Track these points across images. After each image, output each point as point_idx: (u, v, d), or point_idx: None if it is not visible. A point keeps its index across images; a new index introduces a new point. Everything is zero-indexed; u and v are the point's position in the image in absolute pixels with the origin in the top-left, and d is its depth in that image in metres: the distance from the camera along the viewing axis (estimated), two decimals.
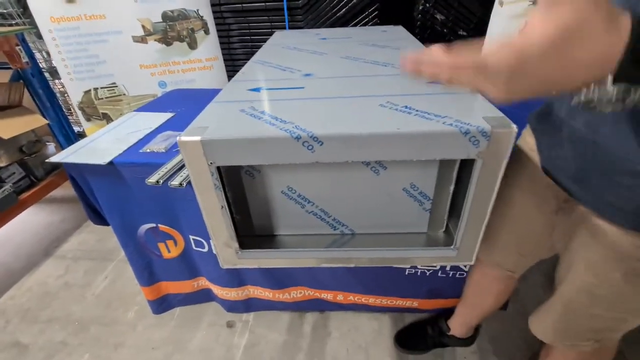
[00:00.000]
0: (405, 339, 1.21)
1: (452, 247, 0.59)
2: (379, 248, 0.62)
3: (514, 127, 0.44)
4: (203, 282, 1.27)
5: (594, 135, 0.48)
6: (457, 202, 0.58)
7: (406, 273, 1.10)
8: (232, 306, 1.30)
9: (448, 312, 1.15)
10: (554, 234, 0.67)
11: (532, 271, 0.85)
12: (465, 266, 1.06)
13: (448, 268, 1.06)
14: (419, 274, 1.09)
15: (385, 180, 0.58)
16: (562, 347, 0.72)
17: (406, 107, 0.51)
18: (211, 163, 0.48)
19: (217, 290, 1.26)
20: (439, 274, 1.09)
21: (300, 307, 1.30)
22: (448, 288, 1.09)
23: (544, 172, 0.62)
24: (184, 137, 0.47)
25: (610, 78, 0.26)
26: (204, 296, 1.33)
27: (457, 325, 1.12)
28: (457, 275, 1.09)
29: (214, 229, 0.58)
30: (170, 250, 1.14)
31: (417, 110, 0.50)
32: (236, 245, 0.60)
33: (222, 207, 0.54)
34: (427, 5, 1.82)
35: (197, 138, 0.46)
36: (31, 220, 1.99)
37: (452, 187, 0.58)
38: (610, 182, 0.48)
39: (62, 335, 1.32)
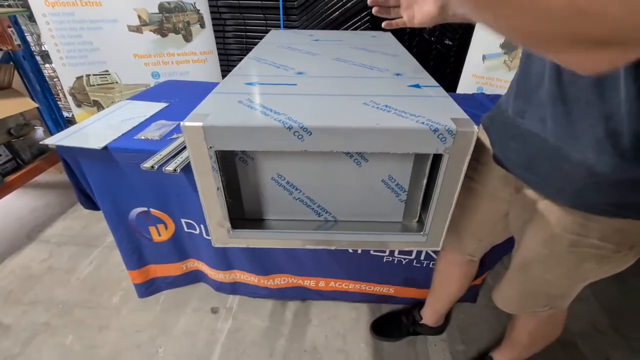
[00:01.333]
0: (381, 327, 1.29)
1: (422, 233, 0.66)
2: (358, 232, 0.68)
3: (476, 127, 0.51)
4: (192, 264, 1.32)
5: (539, 130, 0.58)
6: (430, 195, 0.65)
7: (384, 261, 1.17)
8: (220, 287, 1.36)
9: (421, 303, 1.24)
10: (508, 219, 0.76)
11: (503, 267, 0.94)
12: (436, 254, 1.14)
13: (422, 257, 1.14)
14: (395, 262, 1.17)
15: (365, 171, 0.64)
16: (523, 315, 0.84)
17: (386, 106, 0.58)
18: (210, 147, 0.54)
19: (207, 270, 1.31)
20: (414, 263, 1.17)
21: (283, 294, 1.36)
22: (422, 278, 1.17)
23: (497, 164, 0.70)
24: (187, 123, 0.52)
25: None
26: (193, 277, 1.38)
27: (428, 315, 1.20)
28: (430, 265, 1.17)
29: (209, 209, 0.63)
30: (160, 234, 1.18)
31: (395, 109, 0.57)
32: (228, 225, 0.66)
33: (218, 188, 0.59)
34: None
35: (199, 124, 0.52)
36: (15, 204, 1.97)
37: (425, 181, 0.64)
38: (554, 168, 0.57)
39: (45, 317, 1.33)
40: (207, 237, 1.15)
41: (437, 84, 0.72)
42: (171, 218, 1.13)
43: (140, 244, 1.20)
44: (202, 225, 1.12)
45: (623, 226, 0.56)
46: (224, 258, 1.23)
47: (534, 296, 0.77)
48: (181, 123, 0.52)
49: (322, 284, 1.29)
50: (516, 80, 0.67)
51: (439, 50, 1.99)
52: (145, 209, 1.11)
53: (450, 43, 1.98)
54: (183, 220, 1.12)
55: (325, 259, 1.20)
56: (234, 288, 1.35)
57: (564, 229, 0.60)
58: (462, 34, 1.94)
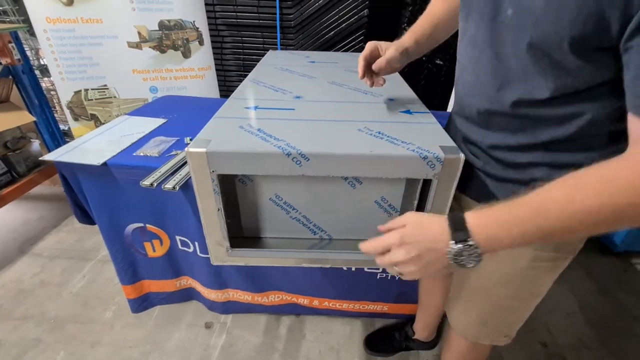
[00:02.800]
0: (374, 342, 1.30)
1: None
2: (352, 251, 0.71)
3: (462, 155, 0.55)
4: (186, 282, 1.32)
5: (473, 156, 0.62)
6: None
7: (377, 277, 1.19)
8: (212, 305, 1.36)
9: (414, 319, 1.26)
10: None
11: None
12: None
13: None
14: (389, 278, 1.19)
15: (360, 193, 0.68)
16: (479, 342, 0.79)
17: (379, 132, 0.62)
18: (213, 171, 0.57)
19: (201, 288, 1.31)
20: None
21: (277, 310, 1.36)
22: (415, 293, 1.19)
23: None
24: (191, 149, 0.55)
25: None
26: (187, 295, 1.38)
27: (420, 329, 1.23)
28: None
29: (209, 229, 0.65)
30: (155, 250, 1.18)
31: (387, 136, 0.61)
32: (227, 244, 0.68)
33: (219, 209, 0.62)
34: None
35: (203, 149, 0.54)
36: (7, 217, 1.95)
37: (415, 202, 0.68)
38: (487, 184, 0.61)
39: (36, 333, 1.32)
40: (201, 255, 1.15)
41: (427, 110, 0.76)
42: (167, 234, 1.14)
43: (135, 259, 1.21)
44: (196, 243, 1.12)
45: None
46: (218, 277, 1.23)
47: (496, 325, 0.75)
48: (185, 149, 0.55)
49: (316, 302, 1.30)
50: (455, 100, 0.72)
51: (430, 70, 2.06)
52: (142, 224, 1.12)
53: (441, 63, 2.06)
54: (178, 238, 1.14)
55: (319, 278, 1.21)
56: (226, 307, 1.34)
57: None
58: (452, 54, 2.02)
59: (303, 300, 1.31)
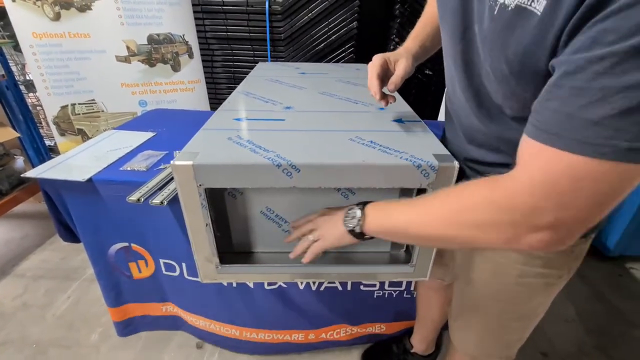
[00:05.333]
0: (372, 358, 1.26)
1: (409, 264, 0.67)
2: (347, 265, 0.69)
3: (456, 163, 0.54)
4: (172, 308, 1.23)
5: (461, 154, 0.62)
6: None
7: (375, 296, 1.15)
8: (202, 333, 1.26)
9: (412, 332, 1.22)
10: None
11: None
12: None
13: (412, 287, 1.14)
14: (386, 295, 1.14)
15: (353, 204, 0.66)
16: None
17: (371, 142, 0.61)
18: (200, 185, 0.54)
19: (188, 317, 1.22)
20: (405, 295, 1.15)
21: (268, 350, 1.27)
22: (413, 309, 1.16)
23: None
24: (177, 162, 0.53)
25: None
26: (172, 323, 1.28)
27: (418, 342, 1.19)
28: None
29: (197, 245, 0.62)
30: (141, 270, 1.11)
31: (380, 145, 0.59)
32: (217, 260, 0.65)
33: (207, 225, 0.59)
34: (398, 46, 2.01)
35: (189, 162, 0.52)
36: None
37: None
38: None
39: (17, 359, 1.25)
40: (188, 278, 1.08)
41: (419, 118, 0.75)
42: (151, 256, 1.08)
43: (119, 280, 1.14)
44: (183, 264, 1.06)
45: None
46: (202, 306, 1.16)
47: (494, 344, 0.73)
48: (171, 162, 0.53)
49: (311, 336, 1.23)
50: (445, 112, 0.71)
51: (420, 80, 2.09)
52: (127, 244, 1.05)
53: (431, 73, 2.08)
54: (162, 261, 1.07)
55: (313, 307, 1.14)
56: (216, 339, 1.26)
57: (508, 260, 0.60)
58: (440, 63, 2.05)
59: (297, 336, 1.23)
